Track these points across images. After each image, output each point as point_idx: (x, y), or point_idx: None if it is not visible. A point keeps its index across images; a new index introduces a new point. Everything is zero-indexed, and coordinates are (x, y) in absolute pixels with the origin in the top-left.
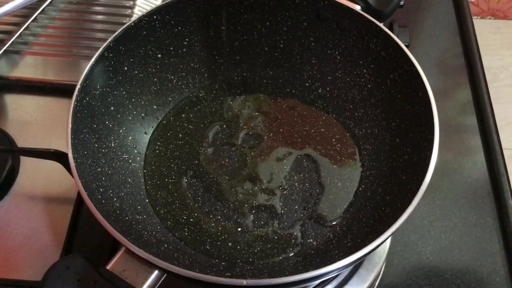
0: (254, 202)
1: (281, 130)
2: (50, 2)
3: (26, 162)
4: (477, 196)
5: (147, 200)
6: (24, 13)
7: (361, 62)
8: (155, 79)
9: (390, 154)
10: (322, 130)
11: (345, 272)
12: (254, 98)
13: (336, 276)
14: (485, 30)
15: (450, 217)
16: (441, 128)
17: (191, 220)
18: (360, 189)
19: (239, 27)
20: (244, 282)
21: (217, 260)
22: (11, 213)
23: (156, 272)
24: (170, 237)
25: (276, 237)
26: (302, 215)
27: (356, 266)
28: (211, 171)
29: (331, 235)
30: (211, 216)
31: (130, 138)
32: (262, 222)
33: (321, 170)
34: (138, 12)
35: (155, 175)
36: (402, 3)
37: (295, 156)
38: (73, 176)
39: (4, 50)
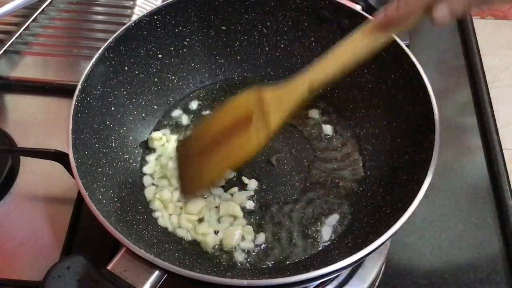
0: (256, 201)
1: (282, 130)
2: (50, 2)
3: (26, 162)
4: (477, 196)
5: (148, 200)
6: (24, 13)
7: (361, 62)
8: (155, 79)
9: (391, 154)
10: (323, 130)
11: (345, 272)
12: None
13: (337, 276)
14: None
15: (450, 217)
16: (441, 128)
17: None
18: (361, 189)
19: (239, 27)
20: (245, 282)
21: (218, 260)
22: (11, 213)
23: (156, 272)
24: (170, 237)
25: (277, 237)
26: (303, 214)
27: (356, 266)
28: None
29: (332, 235)
30: None
31: (131, 138)
32: (263, 222)
33: (322, 170)
34: (138, 12)
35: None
36: None
37: (296, 156)
38: (73, 176)
39: (4, 50)
